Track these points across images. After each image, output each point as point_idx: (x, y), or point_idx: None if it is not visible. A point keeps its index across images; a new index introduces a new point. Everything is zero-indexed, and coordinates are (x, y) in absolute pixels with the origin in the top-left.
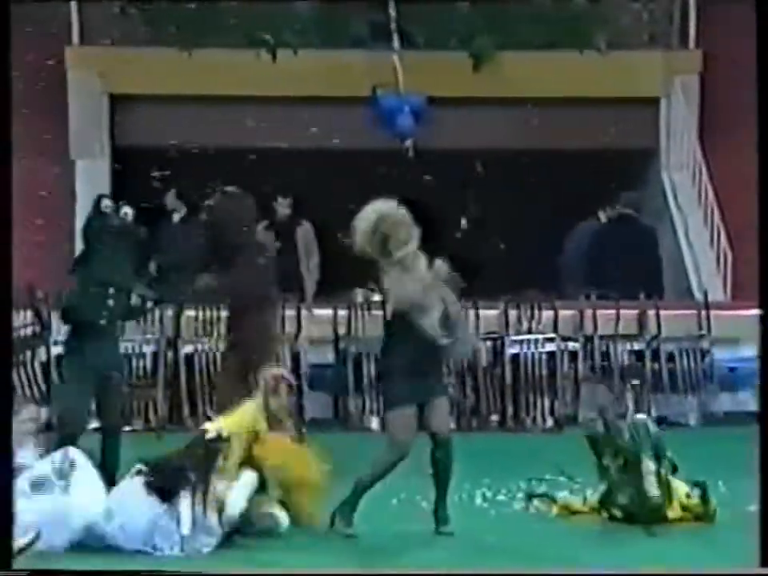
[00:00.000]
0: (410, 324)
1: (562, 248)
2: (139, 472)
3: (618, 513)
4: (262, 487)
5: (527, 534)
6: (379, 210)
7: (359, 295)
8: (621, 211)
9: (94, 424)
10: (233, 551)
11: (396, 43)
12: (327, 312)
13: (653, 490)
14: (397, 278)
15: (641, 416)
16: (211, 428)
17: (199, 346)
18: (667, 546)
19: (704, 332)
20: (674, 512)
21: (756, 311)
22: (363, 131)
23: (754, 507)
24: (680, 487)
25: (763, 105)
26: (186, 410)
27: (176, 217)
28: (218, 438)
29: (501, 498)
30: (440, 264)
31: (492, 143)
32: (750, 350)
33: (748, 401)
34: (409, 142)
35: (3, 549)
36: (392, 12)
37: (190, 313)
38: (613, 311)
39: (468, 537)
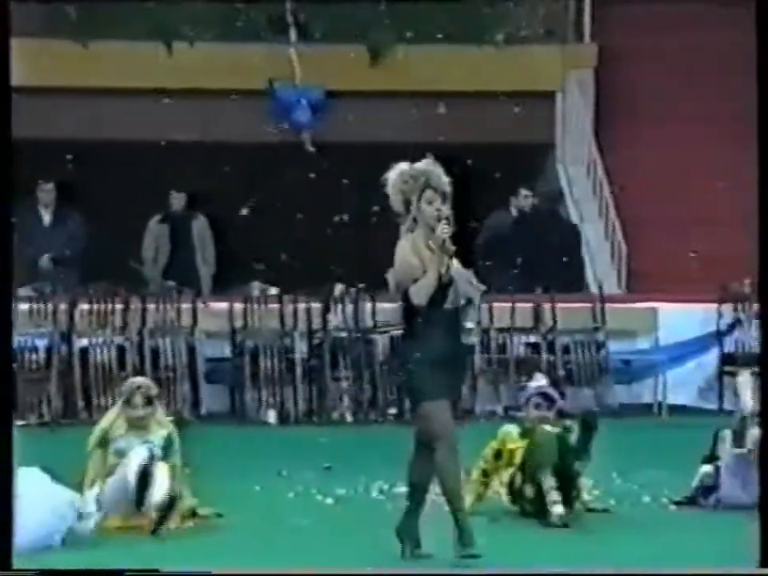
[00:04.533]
0: (439, 311)
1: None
2: None
3: (526, 506)
4: None
5: (425, 526)
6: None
7: (255, 288)
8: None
9: None
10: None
11: (293, 36)
12: (223, 305)
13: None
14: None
15: (570, 422)
16: None
17: (93, 339)
18: (565, 538)
19: (599, 324)
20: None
21: (652, 304)
22: (260, 124)
23: (648, 498)
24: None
25: (763, 104)
26: (80, 404)
27: (46, 213)
28: None
29: (398, 490)
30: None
31: (390, 137)
32: (645, 343)
33: (643, 393)
34: (306, 136)
35: (3, 549)
36: (288, 5)
37: (84, 306)
38: (509, 304)
39: (365, 530)
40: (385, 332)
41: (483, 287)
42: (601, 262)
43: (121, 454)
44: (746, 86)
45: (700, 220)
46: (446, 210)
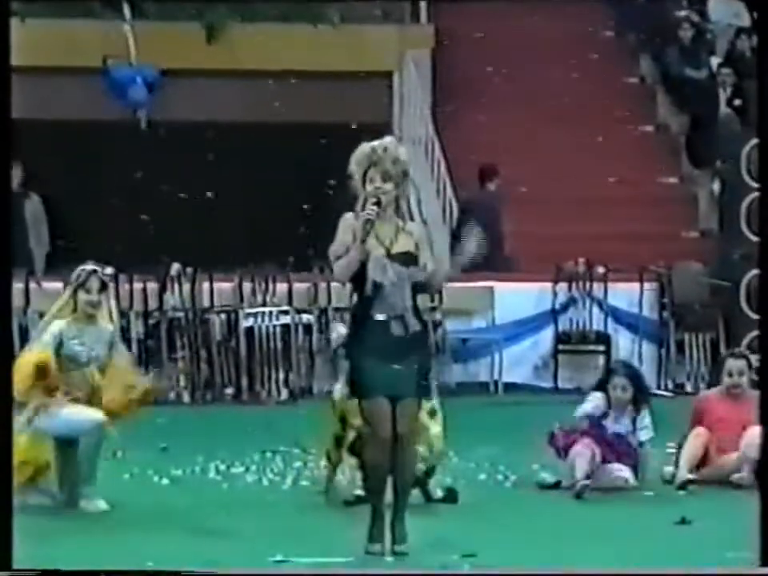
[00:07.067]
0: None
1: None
2: None
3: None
4: None
5: (262, 506)
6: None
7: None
8: None
9: None
10: None
11: (127, 13)
12: (57, 285)
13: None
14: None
15: None
16: None
17: None
18: None
19: (436, 304)
20: None
21: (488, 283)
22: (96, 102)
23: (484, 476)
24: None
25: (763, 102)
26: None
27: None
28: None
29: (235, 470)
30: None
31: (227, 116)
32: (482, 322)
33: (479, 372)
34: (142, 114)
35: (3, 549)
36: None
37: None
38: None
39: (202, 511)
40: (219, 312)
41: (406, 272)
42: (438, 242)
43: (73, 360)
44: (577, 70)
45: (536, 200)
46: (391, 189)
